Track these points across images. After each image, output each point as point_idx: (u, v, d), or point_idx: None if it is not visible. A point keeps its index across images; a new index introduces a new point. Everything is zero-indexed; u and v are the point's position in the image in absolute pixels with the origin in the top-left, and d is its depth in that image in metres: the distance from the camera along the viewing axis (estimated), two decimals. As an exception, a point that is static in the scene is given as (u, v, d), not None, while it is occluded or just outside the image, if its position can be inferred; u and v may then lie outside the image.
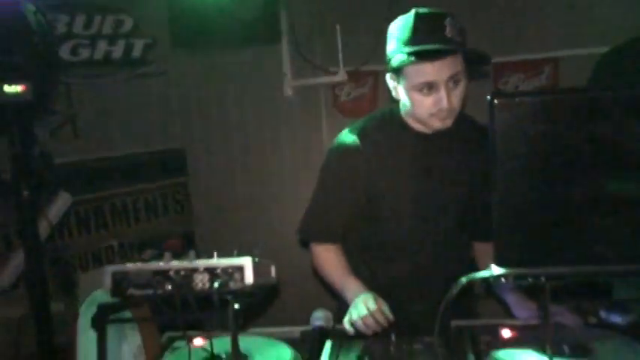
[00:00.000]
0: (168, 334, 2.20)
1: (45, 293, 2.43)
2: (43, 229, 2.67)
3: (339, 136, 2.35)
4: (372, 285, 2.23)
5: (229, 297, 1.55)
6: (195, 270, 1.59)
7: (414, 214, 2.28)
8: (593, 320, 2.04)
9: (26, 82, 2.08)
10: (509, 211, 1.41)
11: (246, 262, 1.58)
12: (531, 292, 2.07)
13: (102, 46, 3.31)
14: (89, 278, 3.40)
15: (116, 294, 1.61)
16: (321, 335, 2.02)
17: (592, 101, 1.35)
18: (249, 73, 4.00)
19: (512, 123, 1.38)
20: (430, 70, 2.06)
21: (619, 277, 1.53)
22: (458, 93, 2.11)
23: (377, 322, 2.03)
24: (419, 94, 2.11)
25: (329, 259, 2.36)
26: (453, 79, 2.08)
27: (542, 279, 1.43)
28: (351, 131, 2.34)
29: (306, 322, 2.11)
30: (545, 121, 1.36)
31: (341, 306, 2.31)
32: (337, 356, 1.91)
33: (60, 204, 2.86)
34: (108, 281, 1.62)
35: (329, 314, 2.07)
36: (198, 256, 1.63)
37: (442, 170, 2.27)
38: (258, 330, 2.20)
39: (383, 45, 3.83)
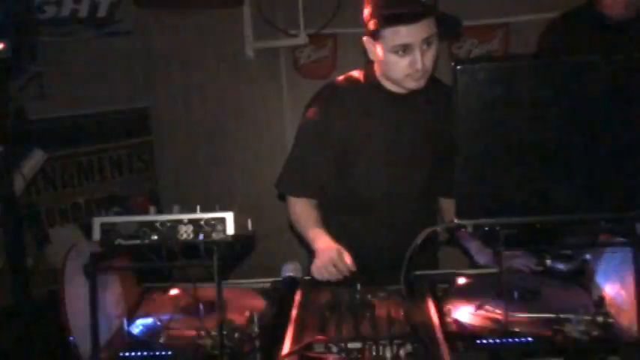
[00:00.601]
0: (146, 284, 2.32)
1: (21, 247, 2.52)
2: (19, 185, 2.74)
3: (316, 94, 2.48)
4: (345, 237, 2.37)
5: (214, 247, 1.68)
6: (179, 222, 1.71)
7: (386, 171, 2.43)
8: (539, 268, 2.23)
9: (4, 40, 2.14)
10: (469, 167, 1.56)
11: (228, 215, 1.71)
12: (488, 240, 2.24)
13: (67, 4, 3.32)
14: (57, 234, 3.47)
15: (105, 244, 1.72)
16: (291, 285, 2.16)
17: (543, 66, 1.51)
18: (211, 34, 4.05)
19: (472, 86, 1.52)
20: (406, 33, 2.18)
21: (562, 225, 1.70)
22: (431, 54, 2.24)
23: (339, 271, 2.18)
24: (395, 55, 2.23)
25: (303, 212, 2.47)
26: (427, 42, 2.21)
27: (498, 228, 1.60)
28: (327, 89, 2.47)
29: (276, 275, 2.25)
30: (502, 84, 1.51)
31: (312, 258, 2.46)
32: (307, 305, 2.06)
33: (34, 160, 2.91)
34: (97, 232, 1.72)
35: (298, 265, 2.21)
36: (182, 210, 1.75)
37: (414, 129, 2.41)
38: (231, 281, 2.34)
39: (343, 8, 3.92)
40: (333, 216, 2.51)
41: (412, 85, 2.30)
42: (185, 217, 1.71)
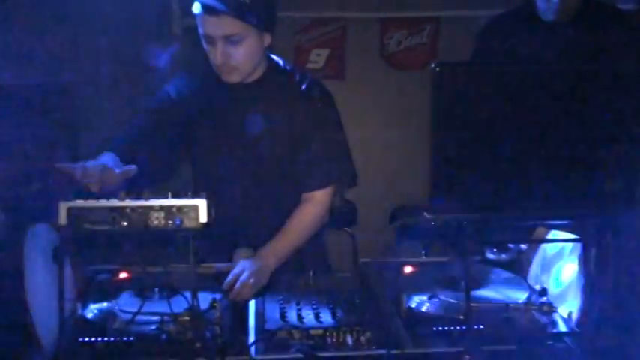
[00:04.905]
0: (92, 267, 2.27)
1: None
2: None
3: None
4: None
5: (190, 234, 1.67)
6: (151, 208, 1.69)
7: (226, 155, 2.40)
8: (478, 258, 2.35)
9: None
10: (442, 166, 1.62)
11: (201, 202, 1.70)
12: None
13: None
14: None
15: (72, 228, 1.68)
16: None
17: (518, 73, 1.60)
18: (139, 9, 3.94)
19: (450, 88, 1.59)
20: (207, 25, 2.14)
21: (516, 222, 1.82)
22: (240, 52, 2.18)
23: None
24: (206, 43, 2.22)
25: None
26: (231, 40, 2.15)
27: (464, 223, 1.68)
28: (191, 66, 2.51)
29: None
30: (479, 87, 1.59)
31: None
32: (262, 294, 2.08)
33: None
34: (63, 216, 1.67)
35: (252, 251, 2.23)
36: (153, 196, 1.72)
37: (255, 119, 2.34)
38: (180, 265, 2.31)
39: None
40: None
41: (224, 77, 2.25)
42: (157, 203, 1.69)
